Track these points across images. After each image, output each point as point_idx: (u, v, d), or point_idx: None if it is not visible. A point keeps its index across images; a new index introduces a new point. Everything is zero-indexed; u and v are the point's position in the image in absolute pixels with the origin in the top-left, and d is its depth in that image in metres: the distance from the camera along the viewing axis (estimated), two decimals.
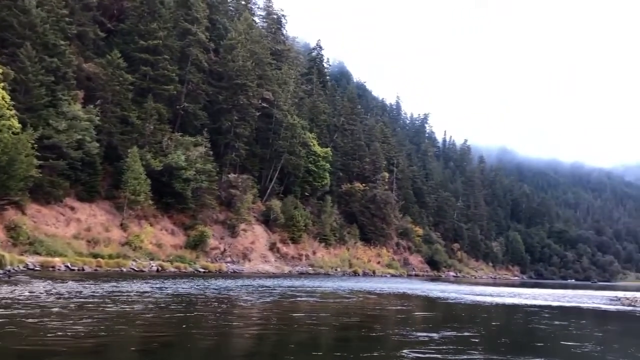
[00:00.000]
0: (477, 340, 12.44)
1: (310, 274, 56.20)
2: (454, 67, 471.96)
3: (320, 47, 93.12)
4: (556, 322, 17.57)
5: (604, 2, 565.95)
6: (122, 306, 15.42)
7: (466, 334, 13.40)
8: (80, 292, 18.74)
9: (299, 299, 22.31)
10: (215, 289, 24.42)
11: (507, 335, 14.64)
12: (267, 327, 14.01)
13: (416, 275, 78.89)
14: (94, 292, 19.14)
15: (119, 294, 19.03)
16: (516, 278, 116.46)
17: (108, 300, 16.53)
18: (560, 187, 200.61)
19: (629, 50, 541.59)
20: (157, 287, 23.15)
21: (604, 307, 25.67)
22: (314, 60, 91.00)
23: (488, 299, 27.68)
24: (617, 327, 18.45)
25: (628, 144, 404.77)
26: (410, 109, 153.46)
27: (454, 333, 13.36)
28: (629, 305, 26.80)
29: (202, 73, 55.77)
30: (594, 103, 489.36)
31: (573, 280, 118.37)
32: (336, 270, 63.41)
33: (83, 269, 32.96)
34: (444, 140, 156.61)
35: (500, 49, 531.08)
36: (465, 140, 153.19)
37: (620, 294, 40.78)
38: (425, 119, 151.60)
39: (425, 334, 12.93)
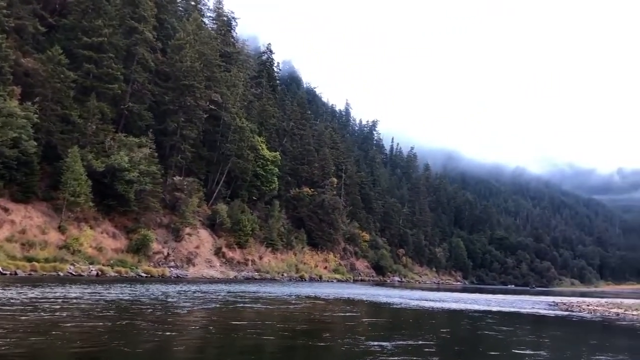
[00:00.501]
0: (432, 350, 12.24)
1: (256, 279, 55.69)
2: (403, 73, 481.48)
3: (271, 51, 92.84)
4: (503, 328, 17.95)
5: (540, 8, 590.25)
6: (43, 314, 14.23)
7: (419, 342, 13.20)
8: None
9: (242, 305, 21.88)
10: (153, 295, 23.59)
11: (460, 343, 14.65)
12: (204, 338, 13.13)
13: (362, 280, 79.56)
14: (15, 298, 17.74)
15: (45, 300, 17.83)
16: (458, 283, 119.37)
17: (29, 308, 15.29)
18: (501, 195, 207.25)
19: (573, 58, 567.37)
20: (90, 293, 22.10)
21: (543, 312, 26.54)
22: (264, 64, 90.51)
23: (433, 304, 28.17)
24: (562, 333, 18.99)
25: (565, 153, 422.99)
26: (360, 116, 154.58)
27: (405, 342, 13.10)
28: (566, 310, 27.89)
29: (148, 73, 54.40)
30: (534, 111, 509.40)
31: (513, 286, 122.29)
32: (283, 275, 63.11)
33: (15, 273, 31.42)
34: (392, 147, 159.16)
35: (447, 56, 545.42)
36: (412, 148, 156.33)
37: (557, 299, 42.50)
38: (373, 126, 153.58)
39: (376, 342, 12.53)
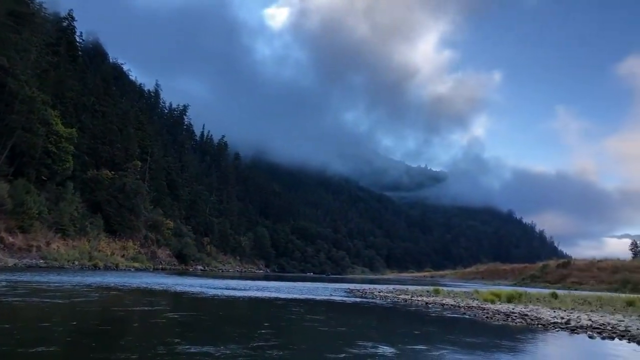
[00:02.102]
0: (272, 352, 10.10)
1: (41, 267, 50.01)
2: (216, 60, 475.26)
3: (73, 18, 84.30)
4: (320, 317, 17.90)
5: None
6: None
7: (254, 344, 10.66)
8: None
9: (14, 299, 18.62)
10: None
11: (297, 339, 12.66)
12: None
13: (163, 269, 76.63)
14: None
15: None
16: (261, 271, 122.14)
17: None
18: (306, 188, 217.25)
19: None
20: None
21: (345, 299, 27.49)
22: (64, 32, 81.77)
23: (240, 294, 27.81)
24: (373, 319, 19.14)
25: (364, 154, 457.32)
26: (170, 99, 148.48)
27: (223, 345, 10.22)
28: (361, 297, 29.83)
29: None
30: (313, 113, 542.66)
31: (311, 274, 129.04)
32: (74, 263, 57.73)
33: None
34: (203, 134, 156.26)
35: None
36: (223, 136, 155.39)
37: (352, 286, 45.51)
38: (184, 111, 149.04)
39: (188, 346, 9.87)
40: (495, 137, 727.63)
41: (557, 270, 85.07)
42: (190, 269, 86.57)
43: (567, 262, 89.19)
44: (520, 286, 65.21)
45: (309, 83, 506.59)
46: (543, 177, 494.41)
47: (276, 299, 25.56)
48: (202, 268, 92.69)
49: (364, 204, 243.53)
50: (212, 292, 27.90)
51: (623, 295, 37.01)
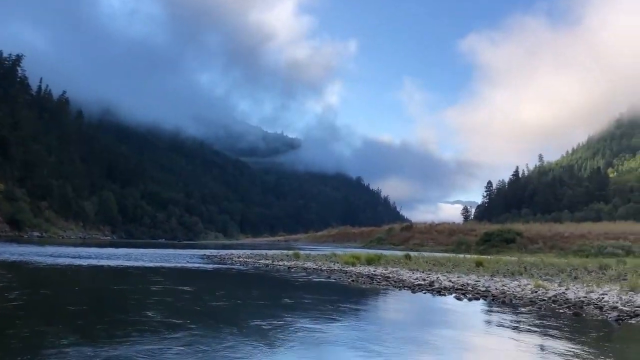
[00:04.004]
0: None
1: None
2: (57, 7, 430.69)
3: None
4: (188, 288, 16.79)
5: None
6: None
7: (113, 319, 9.87)
8: None
9: None
10: None
11: (185, 319, 11.44)
12: None
13: None
14: None
15: None
16: (107, 238, 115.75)
17: None
18: (158, 151, 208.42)
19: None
20: None
21: (201, 266, 26.25)
22: None
23: (87, 262, 25.82)
24: (249, 288, 18.00)
25: (221, 118, 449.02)
26: (0, 47, 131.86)
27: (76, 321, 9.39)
28: (220, 263, 29.27)
29: None
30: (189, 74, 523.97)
31: (163, 240, 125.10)
32: None
33: None
34: (40, 88, 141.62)
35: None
36: (64, 92, 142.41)
37: (207, 252, 44.14)
38: (18, 61, 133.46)
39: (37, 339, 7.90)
40: (348, 105, 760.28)
41: (401, 233, 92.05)
42: (25, 236, 79.32)
43: (409, 226, 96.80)
44: (369, 248, 69.39)
45: (162, 41, 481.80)
46: (389, 145, 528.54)
47: (130, 267, 23.91)
48: (39, 235, 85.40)
49: (219, 169, 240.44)
50: (55, 261, 25.80)
51: (469, 255, 41.26)
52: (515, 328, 10.42)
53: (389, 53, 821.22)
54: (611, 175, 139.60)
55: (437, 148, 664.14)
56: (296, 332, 9.14)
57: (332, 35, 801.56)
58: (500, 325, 10.74)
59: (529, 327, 10.48)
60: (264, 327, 9.42)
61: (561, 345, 8.66)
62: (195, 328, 9.06)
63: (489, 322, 11.50)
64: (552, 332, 9.95)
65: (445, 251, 61.44)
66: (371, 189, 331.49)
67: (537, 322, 11.09)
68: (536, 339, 9.28)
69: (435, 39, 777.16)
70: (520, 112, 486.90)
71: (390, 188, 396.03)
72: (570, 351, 8.26)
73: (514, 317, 11.71)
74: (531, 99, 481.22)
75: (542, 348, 8.60)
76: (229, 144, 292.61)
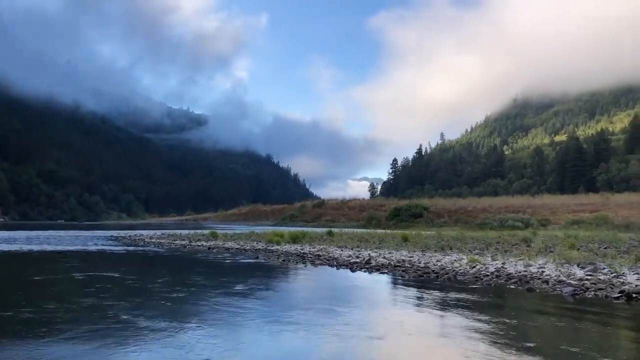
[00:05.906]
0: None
1: None
2: None
3: None
4: (114, 275, 15.46)
5: None
6: None
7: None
8: None
9: None
10: None
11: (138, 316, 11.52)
12: None
13: None
14: None
15: None
16: None
17: None
18: (54, 126, 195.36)
19: None
20: None
21: (112, 248, 24.82)
22: None
23: None
24: (182, 273, 17.12)
25: (121, 92, 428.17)
26: None
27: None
28: (132, 244, 27.77)
29: None
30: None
31: (62, 221, 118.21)
32: None
33: None
34: None
35: None
36: None
37: (114, 233, 41.72)
38: None
39: None
40: (258, 81, 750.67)
41: (314, 209, 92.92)
42: None
43: (322, 203, 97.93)
44: (281, 225, 69.05)
45: (57, 8, 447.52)
46: (299, 123, 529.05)
47: (35, 252, 21.71)
48: None
49: (122, 146, 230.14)
50: None
51: (384, 231, 42.17)
52: (487, 309, 9.14)
53: (300, 29, 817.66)
54: (506, 153, 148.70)
55: (346, 125, 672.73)
56: (271, 324, 7.66)
57: (242, 8, 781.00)
58: (465, 306, 9.24)
59: (503, 308, 9.50)
60: (232, 321, 7.90)
61: (570, 328, 7.72)
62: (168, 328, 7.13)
63: (449, 303, 9.66)
64: (529, 312, 9.00)
65: (357, 226, 62.49)
66: (281, 166, 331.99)
67: (502, 301, 10.31)
68: (532, 322, 8.14)
69: (347, 16, 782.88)
70: (425, 91, 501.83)
71: (300, 165, 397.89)
72: (603, 336, 7.30)
73: (473, 297, 10.37)
74: (436, 77, 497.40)
75: (558, 332, 7.49)
76: (132, 120, 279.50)
